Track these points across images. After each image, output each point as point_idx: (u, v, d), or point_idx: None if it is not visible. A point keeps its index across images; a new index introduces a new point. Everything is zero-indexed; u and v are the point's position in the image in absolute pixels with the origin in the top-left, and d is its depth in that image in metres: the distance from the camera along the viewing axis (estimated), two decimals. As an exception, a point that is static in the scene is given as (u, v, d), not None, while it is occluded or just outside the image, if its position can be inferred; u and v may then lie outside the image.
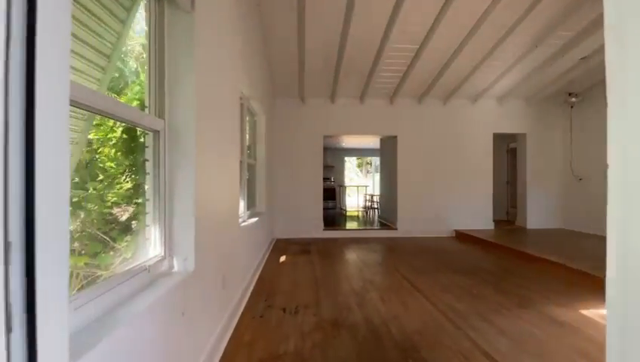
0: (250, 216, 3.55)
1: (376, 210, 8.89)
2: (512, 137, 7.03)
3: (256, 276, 3.35)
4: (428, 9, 3.78)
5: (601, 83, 5.43)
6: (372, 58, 4.71)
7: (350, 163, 14.42)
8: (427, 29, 4.10)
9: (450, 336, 2.09)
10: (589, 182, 5.77)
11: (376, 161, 12.87)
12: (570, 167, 6.14)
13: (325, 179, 10.80)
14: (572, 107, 6.02)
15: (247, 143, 3.56)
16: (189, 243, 1.53)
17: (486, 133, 6.28)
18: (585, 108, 5.82)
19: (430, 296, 2.82)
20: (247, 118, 3.95)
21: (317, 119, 5.94)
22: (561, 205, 6.31)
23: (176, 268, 1.54)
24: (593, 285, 3.08)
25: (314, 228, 5.93)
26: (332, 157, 11.53)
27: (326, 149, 11.17)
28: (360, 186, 11.14)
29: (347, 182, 12.27)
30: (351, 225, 7.16)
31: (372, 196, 9.42)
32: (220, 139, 2.00)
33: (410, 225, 6.09)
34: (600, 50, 4.50)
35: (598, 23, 3.95)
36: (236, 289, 2.46)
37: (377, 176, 11.88)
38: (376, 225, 6.98)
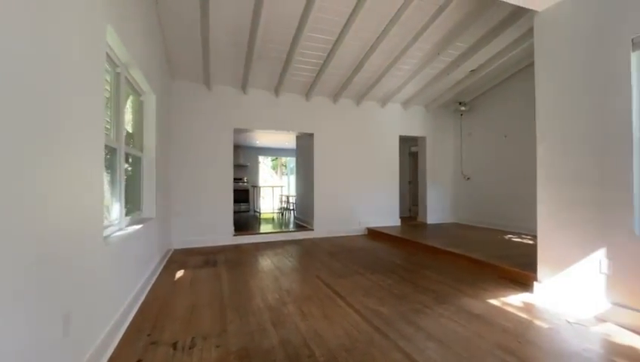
0: (132, 224, 2.72)
1: (292, 211, 8.56)
2: (414, 140, 7.65)
3: (139, 302, 2.56)
4: (343, 3, 3.63)
5: (485, 94, 6.29)
6: (287, 47, 4.34)
7: (265, 164, 13.81)
8: (343, 23, 3.96)
9: (380, 349, 1.83)
10: (474, 181, 6.62)
11: (291, 162, 12.62)
12: (460, 167, 6.96)
13: (238, 179, 10.01)
14: (462, 115, 6.84)
15: (125, 127, 2.73)
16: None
17: (393, 136, 6.61)
18: (471, 116, 6.67)
19: (353, 302, 2.57)
20: (131, 98, 3.09)
21: (226, 110, 5.25)
22: (453, 202, 7.11)
23: None
24: (491, 273, 3.33)
25: (222, 235, 5.20)
26: (245, 156, 10.76)
27: (239, 147, 10.39)
28: (275, 187, 10.66)
29: (262, 182, 11.62)
30: (266, 228, 6.63)
31: (288, 197, 9.07)
32: (52, 98, 1.29)
33: (326, 225, 5.94)
34: (485, 64, 5.14)
35: (486, 38, 4.45)
36: (98, 328, 1.72)
37: (292, 178, 11.63)
38: (292, 227, 6.63)
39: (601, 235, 2.26)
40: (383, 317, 2.28)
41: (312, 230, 5.90)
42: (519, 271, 3.09)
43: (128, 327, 2.14)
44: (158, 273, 3.39)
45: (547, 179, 2.67)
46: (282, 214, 9.12)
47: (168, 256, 4.26)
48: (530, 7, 2.76)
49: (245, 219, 8.13)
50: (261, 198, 10.65)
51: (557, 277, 2.55)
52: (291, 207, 8.66)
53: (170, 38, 3.94)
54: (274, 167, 16.07)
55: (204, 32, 3.77)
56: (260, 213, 9.35)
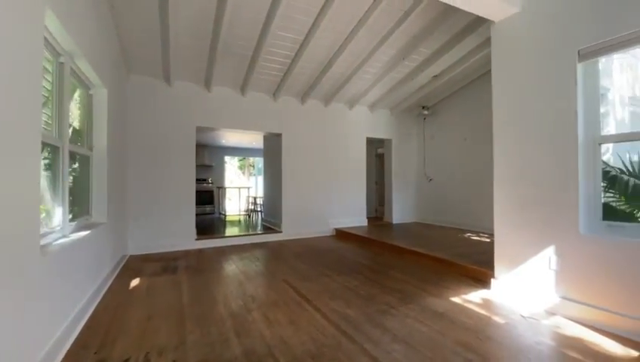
0: (79, 229, 2.47)
1: (260, 213, 8.37)
2: (380, 143, 7.81)
3: (87, 315, 2.32)
4: (312, 2, 3.60)
5: (446, 99, 6.58)
6: (254, 43, 4.21)
7: (231, 164, 13.39)
8: (311, 22, 3.92)
9: (347, 354, 1.81)
10: (436, 182, 6.90)
11: (259, 163, 12.36)
12: (423, 169, 7.22)
13: (202, 180, 9.59)
14: (425, 119, 7.10)
15: (71, 123, 2.47)
16: None
17: (361, 137, 6.70)
18: (434, 119, 6.95)
19: (320, 306, 2.53)
20: (78, 91, 2.81)
21: (188, 108, 4.99)
22: (417, 202, 7.35)
23: None
24: (453, 271, 3.46)
25: (183, 239, 4.93)
26: (211, 156, 10.35)
27: (204, 147, 9.96)
28: (242, 188, 10.35)
29: (228, 183, 11.24)
30: (231, 231, 6.40)
31: (255, 198, 8.86)
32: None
33: (294, 226, 5.87)
34: (447, 70, 5.37)
35: (448, 44, 4.64)
36: (34, 349, 1.52)
37: (260, 179, 11.38)
38: (259, 229, 6.47)
39: (551, 234, 2.42)
40: (350, 320, 2.27)
41: (280, 232, 5.80)
42: (478, 268, 3.24)
43: (72, 345, 1.92)
44: (110, 282, 3.11)
45: (502, 180, 2.82)
46: (249, 216, 8.89)
47: (123, 262, 3.94)
48: (488, 18, 2.91)
49: (209, 222, 7.81)
50: (227, 200, 10.31)
51: (512, 274, 2.70)
52: (259, 209, 8.48)
53: (124, 27, 3.65)
54: (241, 168, 15.65)
55: (163, 23, 3.54)
56: (225, 216, 9.04)
